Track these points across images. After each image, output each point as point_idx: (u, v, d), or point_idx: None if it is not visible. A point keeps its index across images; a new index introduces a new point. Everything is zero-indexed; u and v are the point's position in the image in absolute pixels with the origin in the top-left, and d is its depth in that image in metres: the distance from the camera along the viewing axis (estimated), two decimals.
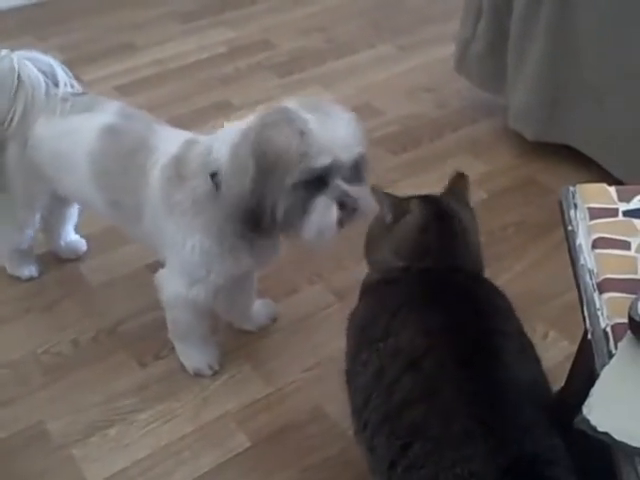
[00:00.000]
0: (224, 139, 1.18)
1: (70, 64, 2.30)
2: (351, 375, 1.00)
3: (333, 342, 1.41)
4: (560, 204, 0.93)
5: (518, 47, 1.76)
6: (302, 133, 1.09)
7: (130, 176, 1.27)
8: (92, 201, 1.37)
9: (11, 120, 1.36)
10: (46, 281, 1.59)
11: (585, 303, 0.82)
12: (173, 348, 1.42)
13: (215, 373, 1.39)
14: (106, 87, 2.21)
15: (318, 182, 1.13)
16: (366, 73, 2.25)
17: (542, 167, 1.84)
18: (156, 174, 1.24)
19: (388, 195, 1.05)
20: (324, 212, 1.15)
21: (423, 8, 2.59)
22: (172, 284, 1.28)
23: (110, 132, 1.31)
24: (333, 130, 1.13)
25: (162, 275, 1.31)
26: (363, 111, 2.06)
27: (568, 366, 1.10)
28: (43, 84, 1.37)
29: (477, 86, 2.00)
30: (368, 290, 1.07)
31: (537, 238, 1.64)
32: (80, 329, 1.48)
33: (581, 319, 0.83)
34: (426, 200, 1.05)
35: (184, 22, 2.59)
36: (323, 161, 1.11)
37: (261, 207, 1.14)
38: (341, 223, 1.15)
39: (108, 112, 1.34)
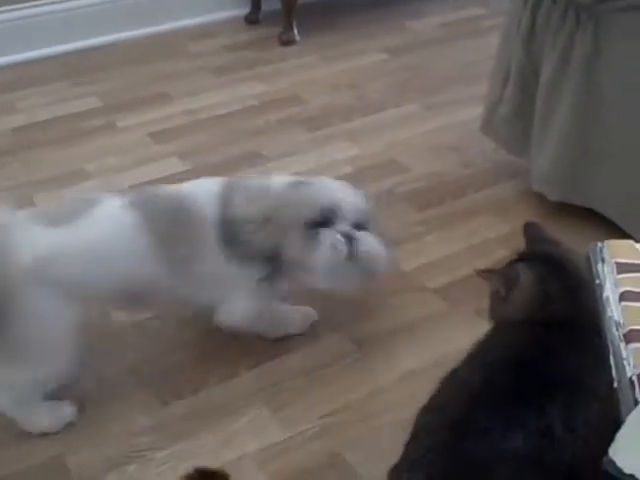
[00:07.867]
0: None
1: (106, 110, 2.43)
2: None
3: (352, 390, 1.43)
4: (588, 258, 0.95)
5: (544, 111, 1.80)
6: None
7: (186, 229, 1.36)
8: (145, 273, 1.35)
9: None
10: None
11: (612, 353, 0.84)
12: (196, 389, 1.44)
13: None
14: (140, 134, 2.28)
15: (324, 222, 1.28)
16: (393, 130, 2.29)
17: (563, 228, 1.83)
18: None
19: (494, 271, 1.11)
20: (332, 244, 1.27)
21: (450, 71, 2.65)
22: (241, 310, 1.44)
23: (136, 205, 1.36)
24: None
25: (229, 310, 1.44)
26: (389, 167, 2.11)
27: None
28: None
29: (502, 147, 2.03)
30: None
31: None
32: (105, 365, 1.50)
33: None
34: (533, 257, 1.10)
35: (217, 75, 2.67)
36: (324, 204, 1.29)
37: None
38: (350, 258, 1.28)
39: (104, 199, 1.36)
